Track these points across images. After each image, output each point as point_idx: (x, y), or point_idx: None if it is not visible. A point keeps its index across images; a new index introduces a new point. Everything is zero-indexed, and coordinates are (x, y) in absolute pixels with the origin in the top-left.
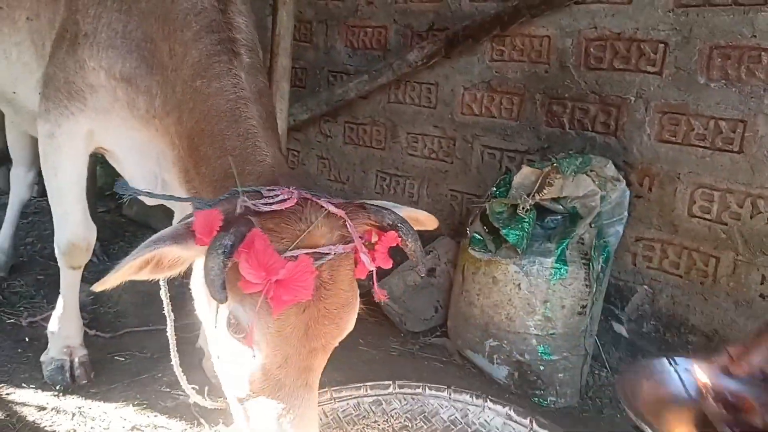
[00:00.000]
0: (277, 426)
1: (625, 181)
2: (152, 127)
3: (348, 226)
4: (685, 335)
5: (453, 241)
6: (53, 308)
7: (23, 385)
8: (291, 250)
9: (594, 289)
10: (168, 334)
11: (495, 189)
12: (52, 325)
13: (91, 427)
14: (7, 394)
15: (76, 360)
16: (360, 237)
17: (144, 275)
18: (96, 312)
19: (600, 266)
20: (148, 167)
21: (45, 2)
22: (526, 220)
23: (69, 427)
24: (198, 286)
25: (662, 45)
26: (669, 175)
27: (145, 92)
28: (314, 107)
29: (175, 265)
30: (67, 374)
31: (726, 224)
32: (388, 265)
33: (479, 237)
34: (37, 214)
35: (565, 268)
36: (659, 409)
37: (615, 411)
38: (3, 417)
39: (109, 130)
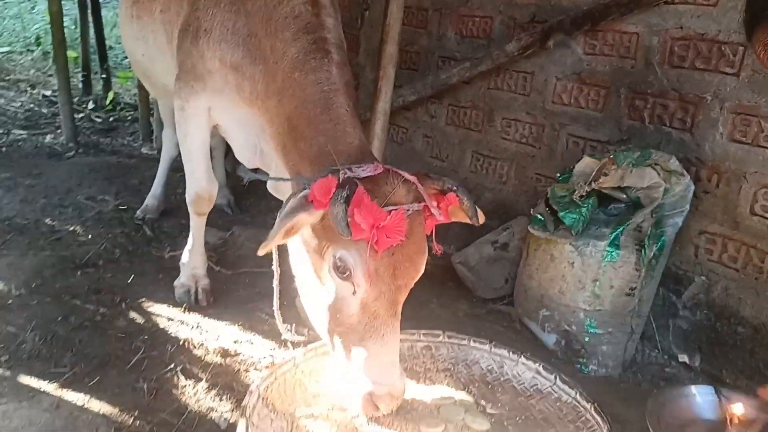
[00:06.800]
0: (376, 346)
1: (693, 176)
2: (254, 107)
3: (419, 188)
4: (735, 326)
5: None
6: None
7: (160, 301)
8: (384, 205)
9: (643, 274)
10: (274, 284)
11: (560, 175)
12: (184, 258)
13: (204, 337)
14: (148, 307)
15: (200, 287)
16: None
17: (282, 240)
18: (223, 253)
19: (653, 253)
20: (249, 139)
21: None
22: (584, 205)
23: (188, 335)
24: (296, 249)
25: (741, 48)
26: (736, 173)
27: (250, 78)
28: (421, 90)
29: (292, 232)
30: (192, 297)
31: None
32: (448, 220)
33: (540, 217)
34: None
35: (617, 252)
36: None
37: (653, 386)
38: (143, 323)
39: (221, 108)
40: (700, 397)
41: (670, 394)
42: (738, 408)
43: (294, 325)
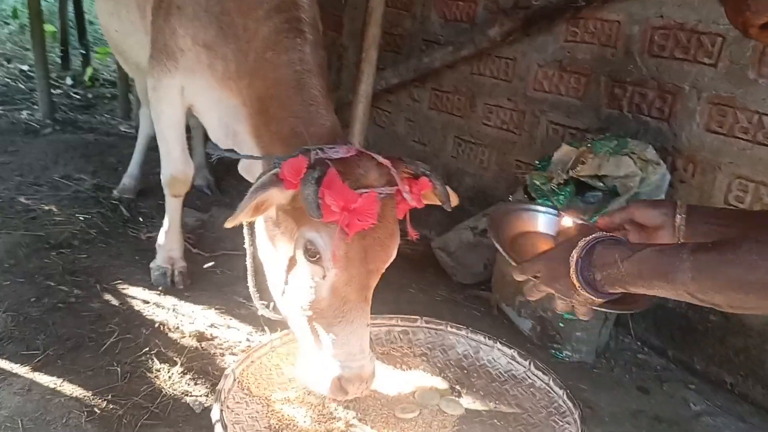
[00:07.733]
0: (345, 331)
1: (669, 165)
2: (227, 87)
3: (393, 172)
4: (706, 314)
5: None
6: None
7: (136, 284)
8: (355, 188)
9: None
10: (247, 262)
11: (538, 163)
12: (160, 239)
13: (180, 321)
14: (123, 288)
15: (177, 269)
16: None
17: (250, 216)
18: (201, 235)
19: None
20: (223, 120)
21: None
22: (562, 193)
23: (164, 318)
24: (264, 233)
25: (720, 38)
26: (711, 163)
27: (222, 58)
28: (404, 73)
29: (261, 209)
30: (168, 279)
31: None
32: (420, 205)
33: None
34: None
35: None
36: (518, 238)
37: (624, 372)
38: (118, 305)
39: (194, 88)
40: (541, 214)
41: (513, 207)
42: (566, 221)
43: (272, 304)
